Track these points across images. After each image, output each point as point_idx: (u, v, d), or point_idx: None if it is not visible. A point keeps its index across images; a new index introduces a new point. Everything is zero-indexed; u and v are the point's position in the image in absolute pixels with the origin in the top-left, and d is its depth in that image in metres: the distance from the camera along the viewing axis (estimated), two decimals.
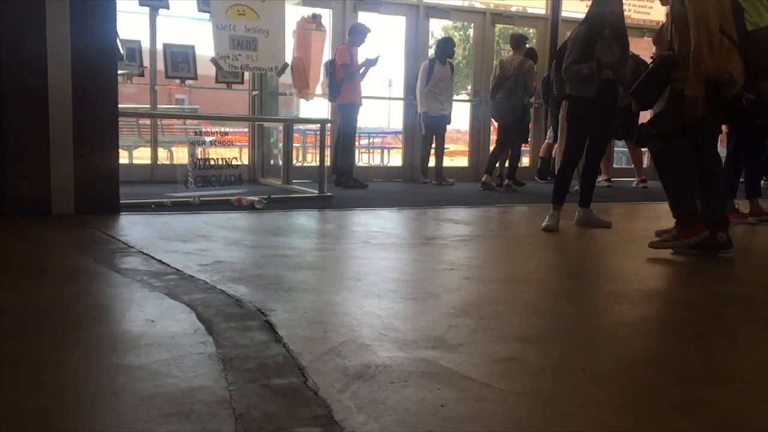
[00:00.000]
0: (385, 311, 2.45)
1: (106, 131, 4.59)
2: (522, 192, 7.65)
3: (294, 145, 8.42)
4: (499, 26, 9.71)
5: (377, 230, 4.49)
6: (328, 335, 2.14)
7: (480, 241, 4.43)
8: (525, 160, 9.54)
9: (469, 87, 10.12)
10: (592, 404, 1.71)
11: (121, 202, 4.71)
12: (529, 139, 8.70)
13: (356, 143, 8.68)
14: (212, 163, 5.80)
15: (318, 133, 7.18)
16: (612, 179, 8.45)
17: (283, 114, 7.76)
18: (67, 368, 1.84)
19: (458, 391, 1.73)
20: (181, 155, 8.23)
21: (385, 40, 9.46)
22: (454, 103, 8.36)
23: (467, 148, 9.75)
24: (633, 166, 9.00)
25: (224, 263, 3.18)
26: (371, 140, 12.92)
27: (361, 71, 7.41)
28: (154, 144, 7.72)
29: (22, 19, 4.27)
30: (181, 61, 6.73)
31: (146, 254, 3.30)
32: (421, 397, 1.67)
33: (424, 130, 8.14)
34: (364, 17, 8.20)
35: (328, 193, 6.35)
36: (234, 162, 6.05)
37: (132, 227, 4.23)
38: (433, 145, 8.23)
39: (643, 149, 8.25)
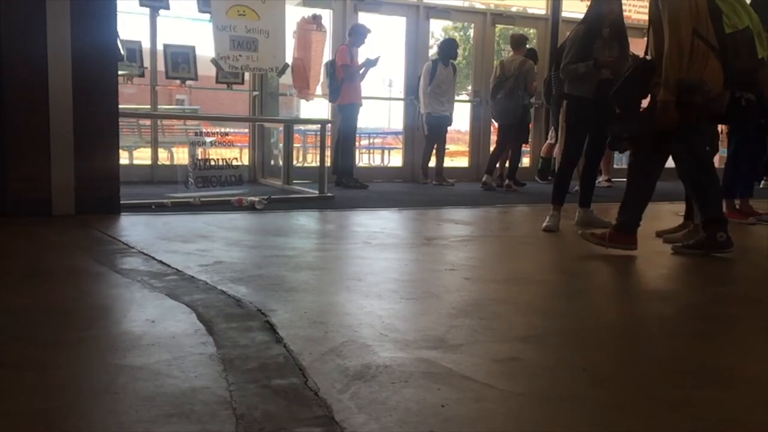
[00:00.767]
0: (386, 311, 2.45)
1: (107, 132, 4.59)
2: (522, 192, 7.65)
3: (294, 145, 8.41)
4: (499, 27, 9.70)
5: (378, 231, 4.48)
6: (328, 335, 2.15)
7: (480, 242, 4.43)
8: (525, 161, 9.54)
9: (470, 87, 10.12)
10: (593, 404, 1.72)
11: (121, 202, 4.71)
12: (529, 140, 8.71)
13: (356, 144, 8.68)
14: (213, 163, 5.80)
15: (318, 133, 7.19)
16: (612, 179, 8.45)
17: (284, 114, 7.77)
18: (67, 369, 1.84)
19: (459, 392, 1.73)
20: (181, 156, 8.26)
21: (386, 41, 9.49)
22: (454, 104, 8.36)
23: (467, 149, 9.75)
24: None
25: (225, 264, 3.19)
26: (371, 141, 12.91)
27: (361, 72, 7.42)
28: (155, 144, 7.72)
29: (23, 19, 4.26)
30: (181, 61, 6.73)
31: (147, 255, 3.31)
32: (421, 398, 1.68)
33: (427, 130, 8.13)
34: (364, 18, 8.20)
35: (329, 194, 6.34)
36: (234, 162, 6.04)
37: (132, 228, 4.23)
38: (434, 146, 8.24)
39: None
